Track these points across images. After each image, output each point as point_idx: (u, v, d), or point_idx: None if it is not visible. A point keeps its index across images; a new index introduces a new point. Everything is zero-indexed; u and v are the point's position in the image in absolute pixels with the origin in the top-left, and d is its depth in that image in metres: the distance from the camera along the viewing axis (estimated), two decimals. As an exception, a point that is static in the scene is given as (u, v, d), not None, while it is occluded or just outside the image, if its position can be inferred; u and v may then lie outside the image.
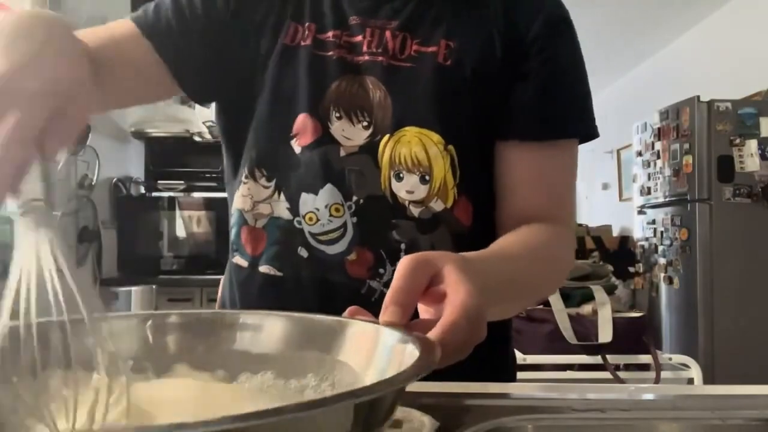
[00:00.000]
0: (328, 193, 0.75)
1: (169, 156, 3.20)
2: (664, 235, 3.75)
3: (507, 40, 0.77)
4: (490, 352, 0.80)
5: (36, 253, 0.39)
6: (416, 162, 0.75)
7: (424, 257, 0.47)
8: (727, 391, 0.68)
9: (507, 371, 0.88)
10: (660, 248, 3.81)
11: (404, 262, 0.47)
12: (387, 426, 0.50)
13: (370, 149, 0.75)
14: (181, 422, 0.23)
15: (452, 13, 0.78)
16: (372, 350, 0.42)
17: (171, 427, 0.23)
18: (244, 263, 0.81)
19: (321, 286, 0.76)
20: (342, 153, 0.75)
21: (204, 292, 3.08)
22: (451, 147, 0.75)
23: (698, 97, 3.46)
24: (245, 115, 0.79)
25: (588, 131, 0.81)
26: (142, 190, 3.39)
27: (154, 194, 3.34)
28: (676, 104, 3.61)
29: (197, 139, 3.14)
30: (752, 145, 3.35)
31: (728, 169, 3.36)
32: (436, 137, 0.75)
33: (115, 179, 3.15)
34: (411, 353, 0.37)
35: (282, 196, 0.77)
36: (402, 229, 0.75)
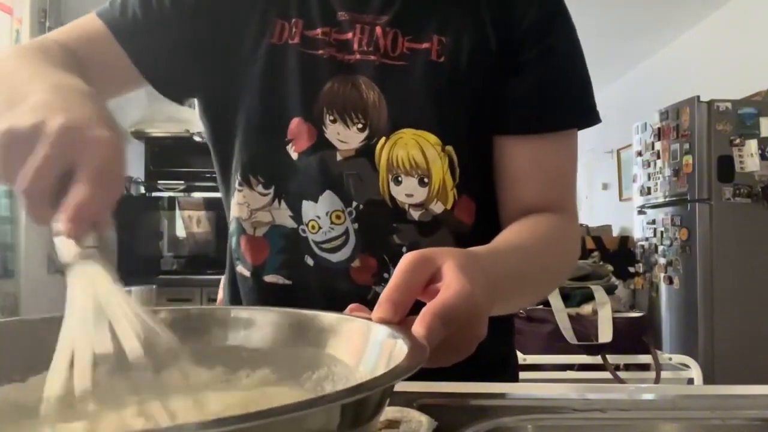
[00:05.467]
0: (327, 200, 0.74)
1: (169, 156, 3.20)
2: (664, 235, 3.75)
3: (501, 31, 0.75)
4: (488, 349, 0.79)
5: (95, 296, 0.39)
6: (414, 165, 0.73)
7: (426, 254, 0.47)
8: (727, 391, 0.68)
9: (507, 370, 0.86)
10: (660, 248, 3.81)
11: (405, 259, 0.46)
12: (379, 424, 0.50)
13: (366, 152, 0.74)
14: (167, 427, 0.23)
15: (444, 5, 0.76)
16: (363, 346, 0.42)
17: None
18: (246, 273, 0.79)
19: (328, 294, 0.75)
20: (339, 157, 0.74)
21: (204, 291, 3.08)
22: (449, 147, 0.74)
23: (698, 97, 3.46)
24: (230, 113, 0.77)
25: (588, 119, 0.79)
26: (142, 190, 3.39)
27: (154, 194, 3.34)
28: (676, 104, 3.61)
29: (197, 139, 3.14)
30: (752, 145, 3.35)
31: (728, 169, 3.36)
32: (433, 138, 0.73)
33: (115, 179, 3.15)
34: (400, 349, 0.37)
35: (283, 204, 0.75)
36: (403, 233, 0.74)
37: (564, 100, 0.77)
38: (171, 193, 3.32)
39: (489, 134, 0.77)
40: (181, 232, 3.46)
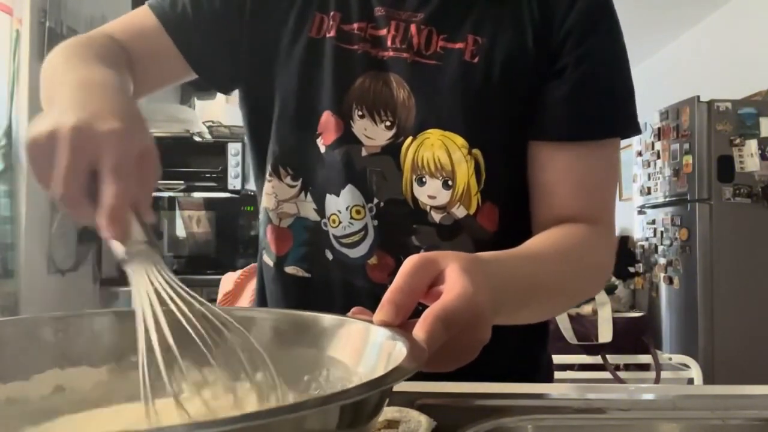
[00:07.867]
0: (349, 194, 0.73)
1: (169, 156, 3.19)
2: (664, 235, 3.75)
3: (540, 33, 0.72)
4: (520, 355, 0.79)
5: (152, 291, 0.42)
6: (439, 166, 0.72)
7: (429, 257, 0.47)
8: (727, 391, 0.68)
9: (539, 373, 0.85)
10: (660, 248, 3.81)
11: (408, 262, 0.46)
12: (378, 424, 0.50)
13: (392, 151, 0.73)
14: (159, 427, 0.24)
15: (482, 4, 0.74)
16: (362, 348, 0.42)
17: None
18: (270, 262, 0.80)
19: (345, 289, 0.75)
20: (364, 153, 0.73)
21: (204, 292, 3.06)
22: (476, 151, 0.72)
23: (698, 97, 3.46)
24: (267, 105, 0.78)
25: (627, 128, 0.75)
26: (142, 190, 3.39)
27: (154, 194, 3.33)
28: (676, 104, 3.61)
29: (197, 139, 3.13)
30: (752, 145, 3.35)
31: (728, 169, 3.36)
32: (460, 141, 0.72)
33: (115, 179, 3.15)
34: (399, 351, 0.37)
35: (309, 197, 0.76)
36: (422, 235, 0.73)
37: (603, 107, 0.74)
38: (171, 193, 3.31)
39: (522, 140, 0.75)
40: (181, 232, 3.46)
